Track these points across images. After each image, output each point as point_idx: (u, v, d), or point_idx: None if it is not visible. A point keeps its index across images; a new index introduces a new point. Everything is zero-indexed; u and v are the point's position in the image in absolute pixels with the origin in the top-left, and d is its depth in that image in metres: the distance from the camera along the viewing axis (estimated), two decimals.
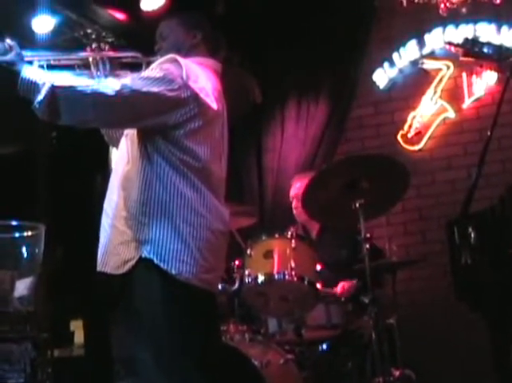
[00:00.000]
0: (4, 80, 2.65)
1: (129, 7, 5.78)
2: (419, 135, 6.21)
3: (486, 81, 6.02)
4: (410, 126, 6.23)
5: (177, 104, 2.71)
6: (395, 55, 6.30)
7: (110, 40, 5.69)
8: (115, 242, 2.73)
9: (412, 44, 6.25)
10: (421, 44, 6.23)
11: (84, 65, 2.91)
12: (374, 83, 6.38)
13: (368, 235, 4.23)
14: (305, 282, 4.13)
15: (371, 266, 4.17)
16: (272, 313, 4.41)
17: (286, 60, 6.44)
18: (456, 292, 3.90)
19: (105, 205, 2.85)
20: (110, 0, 5.69)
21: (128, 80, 2.69)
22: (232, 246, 4.46)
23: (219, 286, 4.22)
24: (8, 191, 5.99)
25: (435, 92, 6.20)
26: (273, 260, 4.18)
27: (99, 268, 2.78)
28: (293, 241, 4.22)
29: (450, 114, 6.17)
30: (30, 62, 2.73)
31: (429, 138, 6.20)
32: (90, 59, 2.92)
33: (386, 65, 6.33)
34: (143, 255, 2.65)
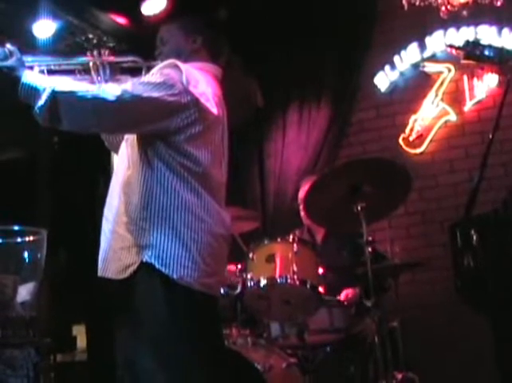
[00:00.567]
0: (5, 86, 2.65)
1: (130, 12, 5.79)
2: (421, 138, 6.22)
3: (487, 84, 6.02)
4: (411, 129, 6.23)
5: (177, 109, 2.71)
6: (396, 58, 6.30)
7: (111, 44, 5.71)
8: (116, 247, 2.73)
9: (413, 47, 6.25)
10: (422, 47, 6.24)
11: (85, 70, 2.92)
12: (375, 86, 6.38)
13: (371, 239, 4.23)
14: (308, 286, 4.13)
15: (373, 270, 4.17)
16: (274, 317, 4.41)
17: (288, 64, 6.45)
18: (459, 295, 3.90)
19: (106, 210, 2.85)
20: (111, 5, 5.70)
21: (128, 86, 2.69)
22: (234, 250, 4.47)
23: (221, 290, 4.24)
24: (10, 195, 6.00)
25: (436, 95, 6.20)
26: (276, 264, 4.18)
27: (100, 273, 2.77)
28: (295, 245, 4.21)
29: (452, 117, 6.17)
30: (31, 67, 2.74)
31: (431, 141, 6.20)
32: (90, 64, 2.92)
33: (387, 68, 6.33)
34: (144, 260, 2.65)
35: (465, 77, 6.13)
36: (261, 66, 5.80)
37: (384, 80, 6.36)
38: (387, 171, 4.28)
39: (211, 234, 2.74)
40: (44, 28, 5.44)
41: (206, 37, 3.05)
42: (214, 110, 2.83)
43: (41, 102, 2.57)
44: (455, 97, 6.18)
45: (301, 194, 5.15)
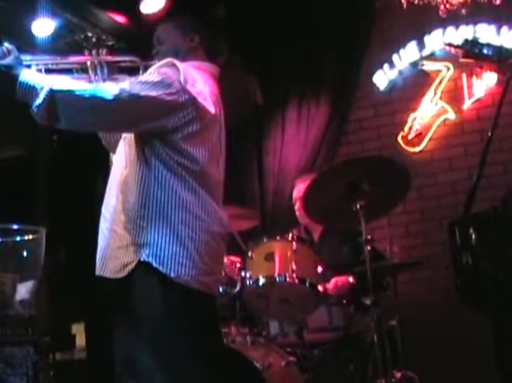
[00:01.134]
0: (3, 84, 2.65)
1: (129, 10, 5.79)
2: (420, 136, 6.21)
3: (486, 82, 6.02)
4: (410, 128, 6.23)
5: (175, 108, 2.71)
6: (395, 57, 6.30)
7: (110, 43, 5.70)
8: (113, 246, 2.73)
9: (412, 45, 6.25)
10: (421, 45, 6.23)
11: (82, 69, 2.91)
12: (374, 85, 6.38)
13: (370, 237, 4.23)
14: (307, 285, 4.13)
15: (372, 269, 4.17)
16: (273, 316, 4.41)
17: (287, 62, 6.45)
18: (458, 293, 3.90)
19: (103, 209, 2.85)
20: (110, 3, 5.70)
21: (126, 85, 2.69)
22: (233, 248, 4.47)
23: (220, 289, 4.24)
24: (9, 194, 6.00)
25: (435, 94, 6.20)
26: (275, 262, 4.18)
27: (98, 272, 2.77)
28: (294, 243, 4.22)
29: (451, 115, 6.17)
30: (28, 66, 2.74)
31: (429, 139, 6.20)
32: (88, 63, 2.92)
33: (386, 66, 6.33)
34: (141, 259, 2.65)
35: (464, 76, 6.13)
36: (260, 64, 5.80)
37: (382, 78, 6.36)
38: (386, 170, 4.28)
39: (209, 232, 2.74)
40: (43, 26, 5.43)
41: (204, 35, 3.05)
42: (212, 109, 2.83)
43: (38, 101, 2.57)
44: (454, 96, 6.18)
45: (296, 193, 5.15)
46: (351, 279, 4.59)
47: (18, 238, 3.44)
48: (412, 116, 6.23)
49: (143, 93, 2.66)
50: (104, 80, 2.88)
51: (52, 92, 2.57)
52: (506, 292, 3.66)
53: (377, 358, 4.13)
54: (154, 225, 2.67)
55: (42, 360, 3.44)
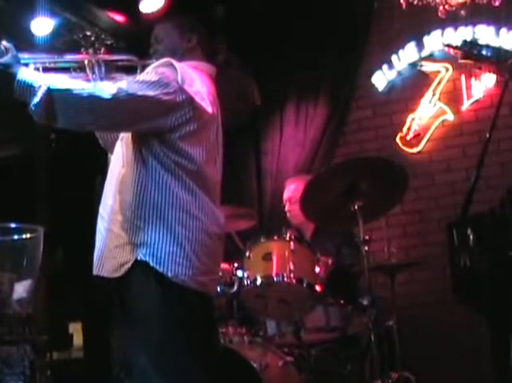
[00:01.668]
0: (1, 83, 2.65)
1: (128, 9, 5.79)
2: (418, 137, 6.21)
3: (484, 84, 6.02)
4: (409, 128, 6.23)
5: (172, 107, 2.71)
6: (394, 57, 6.30)
7: (109, 42, 5.70)
8: (111, 245, 2.73)
9: (411, 46, 6.24)
10: (420, 46, 6.23)
11: (80, 68, 2.91)
12: (373, 85, 6.38)
13: (367, 237, 4.24)
14: (304, 285, 4.13)
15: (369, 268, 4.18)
16: (271, 316, 4.41)
17: (285, 62, 6.45)
18: (455, 294, 3.90)
19: (101, 209, 2.85)
20: (109, 2, 5.70)
21: (123, 84, 2.69)
22: (231, 248, 4.47)
23: (218, 288, 4.24)
24: (7, 193, 5.99)
25: (433, 95, 6.20)
26: (272, 262, 4.18)
27: (95, 272, 2.77)
28: (291, 243, 4.22)
29: (449, 116, 6.17)
30: (26, 64, 2.74)
31: (428, 140, 6.20)
32: (86, 62, 2.92)
33: (385, 67, 6.33)
34: (138, 258, 2.65)
35: (462, 77, 6.12)
36: (258, 64, 5.80)
37: (381, 79, 6.35)
38: (384, 170, 4.28)
39: (206, 232, 2.75)
40: (42, 25, 5.43)
41: (202, 36, 3.06)
42: (209, 109, 2.83)
43: (36, 99, 2.57)
44: (453, 97, 6.18)
45: (286, 194, 5.16)
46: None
47: (16, 237, 3.44)
48: (411, 116, 6.23)
49: (140, 93, 2.66)
50: (101, 79, 2.88)
51: (49, 90, 2.57)
52: (503, 293, 3.66)
53: (374, 359, 4.13)
54: (151, 224, 2.67)
55: (39, 359, 3.44)
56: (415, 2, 5.81)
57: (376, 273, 4.83)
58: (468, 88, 6.11)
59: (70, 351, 6.48)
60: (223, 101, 3.00)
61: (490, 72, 5.56)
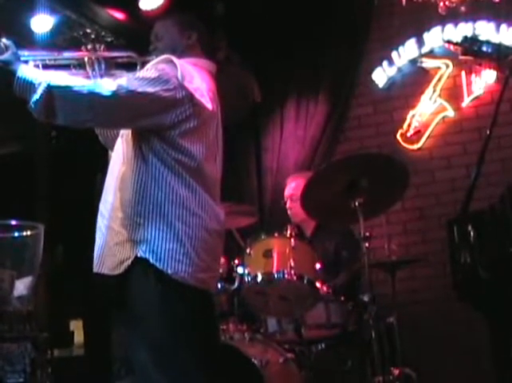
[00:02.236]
0: (1, 80, 2.65)
1: (128, 7, 5.78)
2: (419, 134, 6.21)
3: (485, 80, 6.02)
4: (409, 125, 6.23)
5: (172, 104, 2.71)
6: (394, 54, 6.29)
7: (109, 39, 5.70)
8: (111, 243, 2.73)
9: (411, 43, 6.24)
10: (420, 43, 6.23)
11: (80, 65, 2.91)
12: (373, 82, 6.38)
13: (368, 234, 4.24)
14: (305, 281, 4.13)
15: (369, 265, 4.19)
16: (271, 313, 4.41)
17: (286, 59, 6.45)
18: (456, 291, 3.90)
19: (101, 206, 2.85)
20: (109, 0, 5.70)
21: (123, 81, 2.69)
22: (231, 245, 4.48)
23: (218, 285, 4.24)
24: (7, 190, 6.00)
25: (434, 91, 6.19)
26: (273, 259, 4.18)
27: (95, 269, 2.77)
28: (292, 240, 4.22)
29: (450, 113, 6.17)
30: (26, 62, 2.73)
31: (428, 137, 6.20)
32: (85, 59, 2.91)
33: (385, 63, 6.32)
34: (138, 255, 2.65)
35: (463, 73, 6.12)
36: (259, 61, 5.80)
37: (381, 75, 6.35)
38: (384, 167, 4.28)
39: (206, 229, 2.74)
40: (42, 22, 5.43)
41: (202, 33, 3.06)
42: (209, 105, 2.83)
43: (36, 96, 2.57)
44: (453, 93, 6.18)
45: (287, 191, 5.16)
46: None
47: (16, 234, 3.45)
48: (411, 113, 6.23)
49: (140, 90, 2.66)
50: (101, 76, 2.88)
51: (49, 87, 2.57)
52: (503, 290, 3.66)
53: (375, 355, 4.13)
54: (151, 221, 2.67)
55: (40, 356, 3.45)
56: None
57: (377, 270, 4.84)
58: (468, 84, 6.11)
59: (71, 348, 6.49)
60: (223, 98, 3.00)
61: (490, 68, 5.55)
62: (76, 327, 6.53)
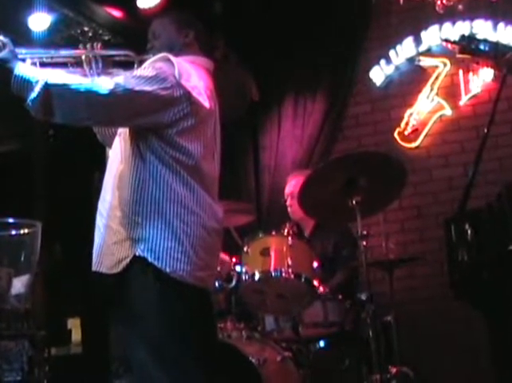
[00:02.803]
0: None
1: (126, 5, 5.78)
2: (416, 132, 6.22)
3: (482, 79, 6.02)
4: (407, 123, 6.23)
5: (170, 102, 2.71)
6: (391, 52, 6.30)
7: (107, 38, 5.70)
8: (109, 242, 2.73)
9: (409, 41, 6.24)
10: (418, 41, 6.23)
11: (77, 63, 2.91)
12: (371, 80, 6.38)
13: (365, 233, 4.24)
14: (302, 280, 4.14)
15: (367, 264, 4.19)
16: (269, 311, 4.41)
17: (283, 58, 6.45)
18: (453, 290, 3.90)
19: (99, 205, 2.85)
20: None
21: (120, 79, 2.68)
22: (229, 243, 4.48)
23: (216, 284, 4.24)
24: (5, 188, 5.99)
25: (431, 90, 6.20)
26: (270, 257, 4.19)
27: (94, 268, 2.76)
28: (289, 238, 4.22)
29: (447, 111, 6.18)
30: (23, 60, 2.73)
31: (426, 135, 6.20)
32: (83, 57, 2.91)
33: (383, 62, 6.33)
34: (137, 253, 2.65)
35: (460, 72, 6.12)
36: (256, 60, 5.80)
37: (379, 74, 6.35)
38: (382, 165, 4.28)
39: (204, 227, 2.74)
40: (39, 21, 5.43)
41: (199, 31, 3.05)
42: (207, 104, 2.83)
43: (33, 94, 2.56)
44: (451, 92, 6.18)
45: (288, 189, 5.16)
46: None
47: (14, 232, 3.44)
48: (409, 111, 6.23)
49: (137, 88, 2.66)
50: (98, 74, 2.88)
51: (47, 85, 2.56)
52: (501, 288, 3.66)
53: (373, 354, 4.14)
54: (149, 220, 2.67)
55: (38, 354, 3.45)
56: None
57: (374, 268, 4.84)
58: (466, 83, 6.11)
59: (69, 347, 6.49)
60: (221, 96, 2.99)
61: (487, 66, 5.56)
62: (74, 325, 6.53)
